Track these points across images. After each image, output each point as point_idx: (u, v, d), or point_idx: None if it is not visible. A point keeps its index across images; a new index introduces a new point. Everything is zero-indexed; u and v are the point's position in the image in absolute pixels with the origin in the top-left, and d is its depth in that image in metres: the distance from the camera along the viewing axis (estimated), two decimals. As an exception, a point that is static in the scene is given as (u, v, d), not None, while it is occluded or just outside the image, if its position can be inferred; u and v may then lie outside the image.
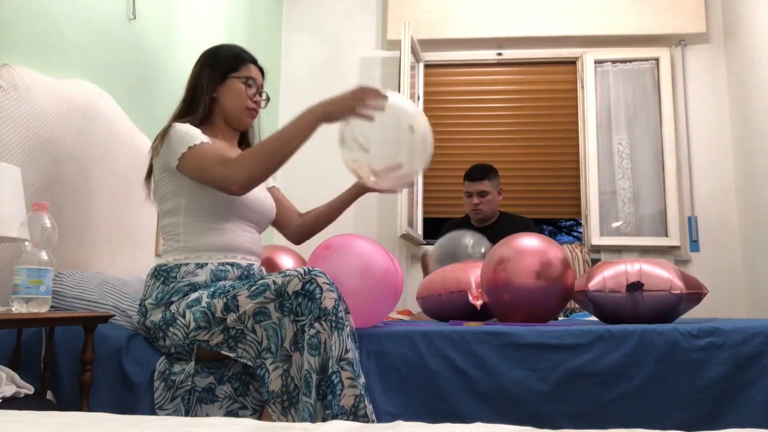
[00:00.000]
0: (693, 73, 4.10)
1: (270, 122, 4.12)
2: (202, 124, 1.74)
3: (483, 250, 2.66)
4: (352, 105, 1.54)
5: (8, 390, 1.25)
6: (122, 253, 2.18)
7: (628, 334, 1.61)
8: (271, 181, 2.00)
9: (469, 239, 2.71)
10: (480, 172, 3.10)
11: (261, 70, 1.85)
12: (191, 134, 1.62)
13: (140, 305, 1.63)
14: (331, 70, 4.36)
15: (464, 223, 3.23)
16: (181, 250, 1.64)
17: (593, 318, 2.20)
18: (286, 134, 1.54)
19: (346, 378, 1.39)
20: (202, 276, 1.60)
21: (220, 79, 1.76)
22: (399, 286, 1.79)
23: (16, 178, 1.44)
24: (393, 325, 1.91)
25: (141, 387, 1.53)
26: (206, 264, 1.62)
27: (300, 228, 1.98)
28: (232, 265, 1.66)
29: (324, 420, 1.37)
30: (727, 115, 4.03)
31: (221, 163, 1.55)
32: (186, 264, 1.61)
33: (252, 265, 1.72)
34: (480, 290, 2.14)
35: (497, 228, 3.06)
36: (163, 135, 1.65)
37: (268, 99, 1.86)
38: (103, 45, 2.22)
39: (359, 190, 1.90)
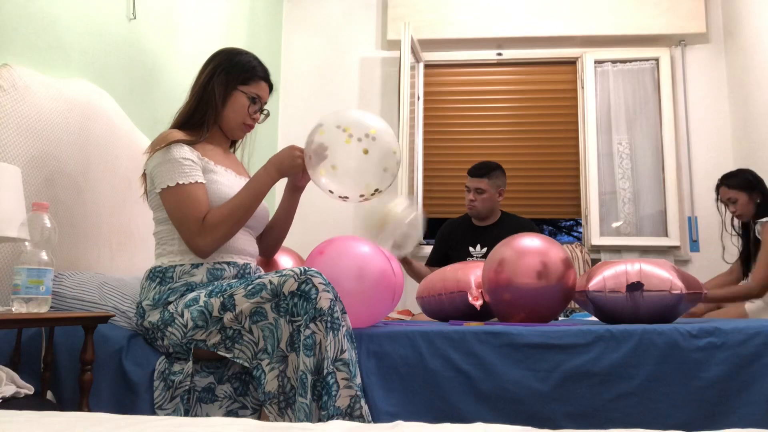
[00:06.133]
0: (693, 73, 4.10)
1: (270, 123, 4.11)
2: (200, 128, 1.73)
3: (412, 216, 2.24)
4: (299, 157, 1.69)
5: (8, 390, 1.25)
6: (122, 253, 2.18)
7: (628, 334, 1.61)
8: None
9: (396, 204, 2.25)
10: (480, 169, 3.08)
11: (270, 86, 1.83)
12: (184, 167, 1.61)
13: (137, 307, 1.64)
14: (331, 70, 4.36)
15: (464, 222, 3.22)
16: (176, 252, 1.64)
17: (593, 318, 2.20)
18: (251, 197, 1.65)
19: (342, 379, 1.39)
20: (199, 275, 1.61)
21: (230, 89, 1.74)
22: (397, 288, 1.78)
23: (16, 178, 1.44)
24: (393, 325, 1.91)
25: (141, 387, 1.53)
26: (202, 263, 1.62)
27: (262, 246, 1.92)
28: (228, 263, 1.66)
29: (320, 420, 1.37)
30: (727, 115, 4.03)
31: (196, 224, 1.58)
32: (181, 264, 1.61)
33: (248, 264, 1.72)
34: (480, 290, 2.14)
35: (498, 228, 3.05)
36: (159, 146, 1.63)
37: (267, 115, 1.84)
38: (103, 45, 2.22)
39: (294, 187, 1.86)
